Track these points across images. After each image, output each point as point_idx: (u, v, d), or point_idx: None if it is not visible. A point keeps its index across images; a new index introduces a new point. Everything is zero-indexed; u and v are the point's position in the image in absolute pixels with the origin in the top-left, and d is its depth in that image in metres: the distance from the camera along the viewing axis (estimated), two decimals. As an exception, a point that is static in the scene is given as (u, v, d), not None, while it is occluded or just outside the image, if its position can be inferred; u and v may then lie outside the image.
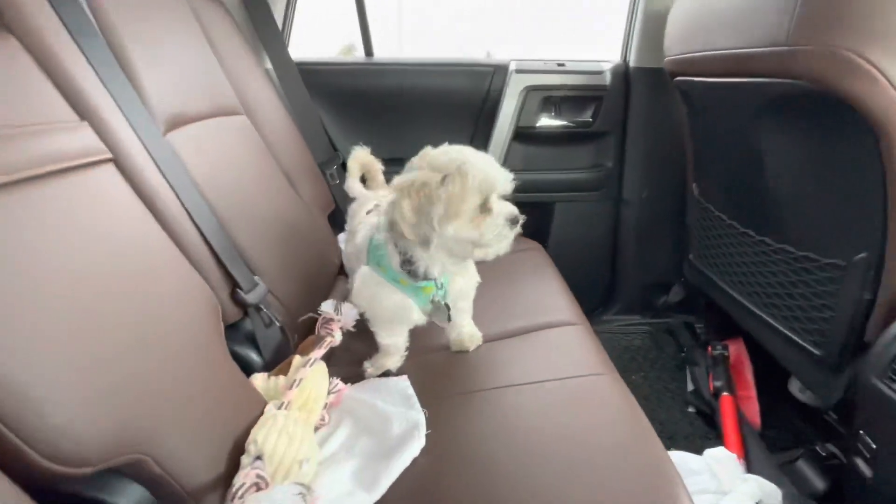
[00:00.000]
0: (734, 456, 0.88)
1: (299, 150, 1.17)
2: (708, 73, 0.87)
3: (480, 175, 0.63)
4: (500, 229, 0.66)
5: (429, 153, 0.67)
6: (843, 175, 0.72)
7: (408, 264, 0.69)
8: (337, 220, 1.24)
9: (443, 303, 0.75)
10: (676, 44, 0.98)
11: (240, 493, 0.47)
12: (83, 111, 0.53)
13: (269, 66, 1.22)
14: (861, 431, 0.72)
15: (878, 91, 0.60)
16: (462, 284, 0.78)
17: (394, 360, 0.78)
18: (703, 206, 1.15)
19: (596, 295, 1.53)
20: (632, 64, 1.29)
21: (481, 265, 1.14)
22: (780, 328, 0.93)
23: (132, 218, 0.55)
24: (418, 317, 0.75)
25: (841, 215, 0.75)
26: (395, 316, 0.75)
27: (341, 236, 1.23)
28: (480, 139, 1.34)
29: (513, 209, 0.67)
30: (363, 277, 0.76)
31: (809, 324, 0.86)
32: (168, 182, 0.62)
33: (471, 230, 0.64)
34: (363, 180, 1.02)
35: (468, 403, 0.68)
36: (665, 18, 1.12)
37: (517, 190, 1.34)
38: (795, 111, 0.74)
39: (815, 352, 0.84)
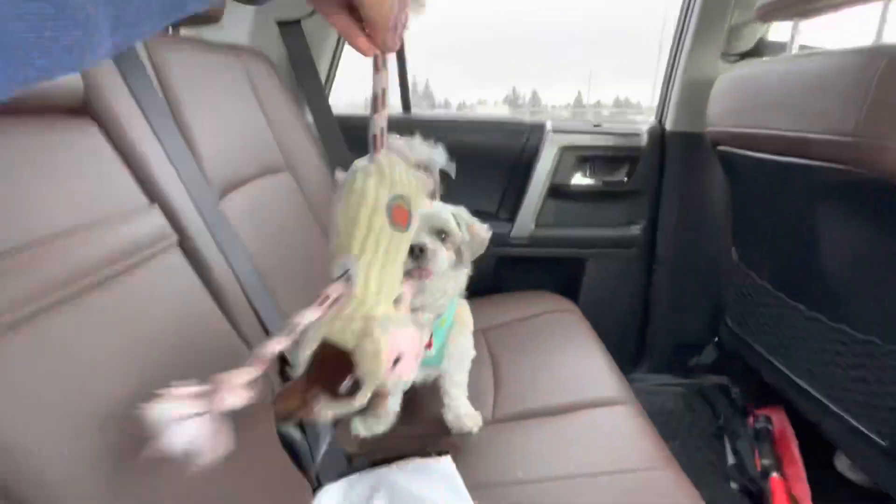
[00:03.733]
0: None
1: (336, 204, 1.18)
2: (757, 149, 0.87)
3: None
4: None
5: None
6: (910, 264, 0.70)
7: None
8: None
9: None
10: (723, 116, 0.98)
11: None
12: (153, 194, 0.53)
13: (310, 119, 1.24)
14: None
15: (952, 187, 0.59)
16: (458, 348, 0.79)
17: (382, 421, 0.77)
18: (744, 272, 1.13)
19: (626, 352, 1.49)
20: (668, 128, 1.29)
21: (514, 327, 1.13)
22: (837, 410, 0.89)
23: (194, 301, 0.54)
24: None
25: (907, 304, 0.72)
26: None
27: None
28: (514, 193, 1.34)
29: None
30: None
31: (872, 411, 0.81)
32: (226, 257, 0.62)
33: None
34: None
35: (520, 495, 0.64)
36: (703, 86, 1.13)
37: (548, 244, 1.35)
38: (855, 197, 0.73)
39: (881, 441, 0.80)
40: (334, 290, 0.38)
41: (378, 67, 0.38)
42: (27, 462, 0.33)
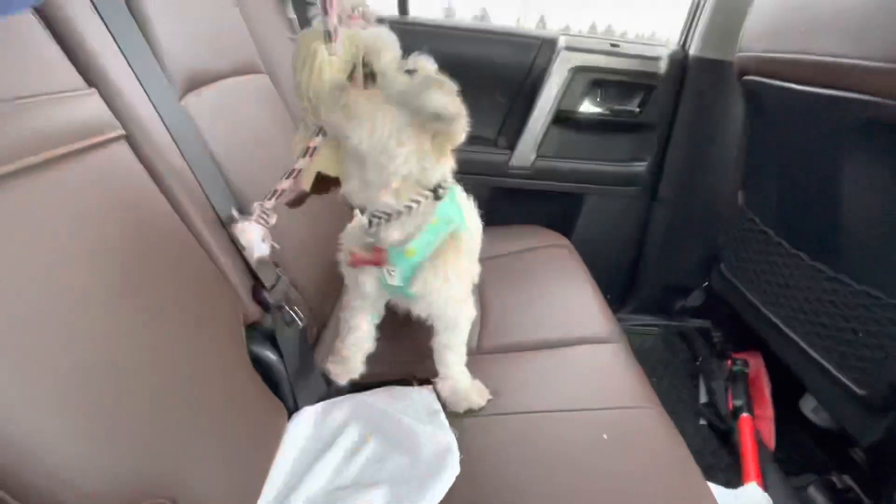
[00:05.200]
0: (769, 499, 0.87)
1: (321, 115, 1.07)
2: (793, 79, 0.78)
3: None
4: None
5: None
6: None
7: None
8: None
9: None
10: (759, 39, 0.87)
11: None
12: (92, 77, 0.44)
13: (292, 15, 1.09)
14: (904, 485, 0.69)
15: None
16: (433, 292, 0.60)
17: (350, 354, 0.68)
18: (748, 217, 1.08)
19: (614, 291, 1.48)
20: (691, 53, 1.17)
21: (505, 261, 1.09)
22: (818, 358, 0.89)
23: (147, 207, 0.47)
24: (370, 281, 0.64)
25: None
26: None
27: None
28: (516, 117, 1.23)
29: None
30: None
31: (855, 361, 0.81)
32: (186, 160, 0.54)
33: None
34: None
35: (503, 426, 0.63)
36: (739, 5, 1.01)
37: (548, 177, 1.28)
38: (890, 143, 0.66)
39: (857, 390, 0.81)
40: (316, 141, 0.53)
41: None
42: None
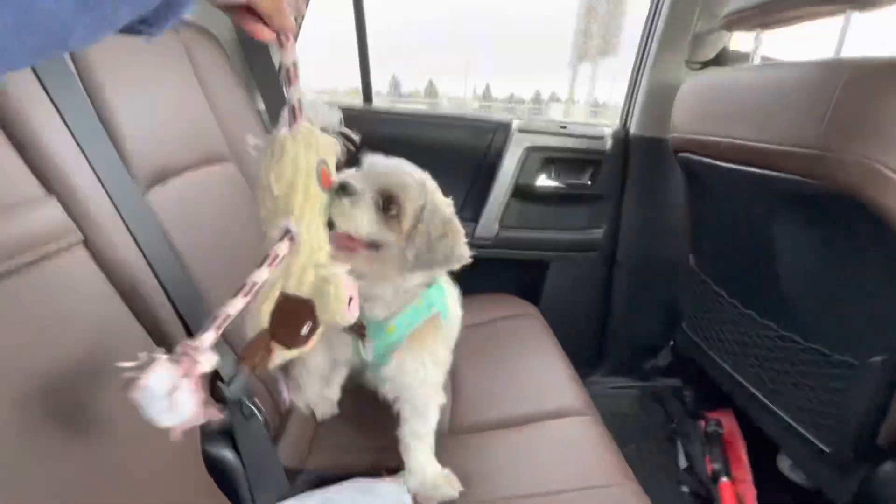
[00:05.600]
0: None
1: (288, 198, 1.10)
2: (717, 157, 0.87)
3: None
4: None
5: None
6: (861, 277, 0.71)
7: None
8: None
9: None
10: (686, 123, 0.98)
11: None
12: (51, 182, 0.45)
13: (261, 106, 1.15)
14: (882, 547, 0.68)
15: (904, 204, 0.60)
16: (405, 374, 0.62)
17: (310, 396, 0.71)
18: (700, 278, 1.14)
19: (585, 355, 1.49)
20: (632, 131, 1.29)
21: (475, 332, 1.10)
22: (782, 415, 0.91)
23: (104, 311, 0.46)
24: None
25: (856, 315, 0.74)
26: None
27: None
28: (478, 193, 1.30)
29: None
30: None
31: (816, 417, 0.83)
32: (147, 259, 0.54)
33: None
34: None
35: (476, 517, 0.60)
36: (667, 92, 1.13)
37: (512, 246, 1.32)
38: (814, 209, 0.73)
39: (823, 448, 0.82)
40: (281, 249, 0.41)
41: (281, 44, 0.42)
42: None
